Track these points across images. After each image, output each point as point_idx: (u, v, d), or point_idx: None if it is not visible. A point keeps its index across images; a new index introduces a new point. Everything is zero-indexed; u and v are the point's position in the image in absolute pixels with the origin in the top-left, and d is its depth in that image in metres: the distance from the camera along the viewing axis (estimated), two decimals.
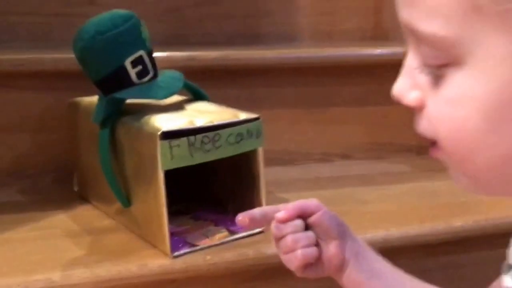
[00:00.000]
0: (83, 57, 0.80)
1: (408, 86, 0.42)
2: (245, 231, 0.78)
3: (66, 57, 0.86)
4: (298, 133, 1.10)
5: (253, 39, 1.22)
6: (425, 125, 0.42)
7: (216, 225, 0.81)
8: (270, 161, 1.07)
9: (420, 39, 0.39)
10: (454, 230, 0.86)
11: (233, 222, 0.80)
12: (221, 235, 0.78)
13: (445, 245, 0.86)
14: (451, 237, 0.86)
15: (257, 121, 0.77)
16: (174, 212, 0.82)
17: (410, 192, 0.98)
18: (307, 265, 0.58)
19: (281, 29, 1.24)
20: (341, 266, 0.59)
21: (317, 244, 0.58)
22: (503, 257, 0.51)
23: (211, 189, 0.88)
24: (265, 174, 0.80)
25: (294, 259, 0.57)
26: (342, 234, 0.59)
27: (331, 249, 0.58)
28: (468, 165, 0.40)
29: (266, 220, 0.61)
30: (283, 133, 1.10)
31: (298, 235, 0.58)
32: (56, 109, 0.95)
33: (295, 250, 0.57)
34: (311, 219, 0.59)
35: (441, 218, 0.88)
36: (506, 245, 0.51)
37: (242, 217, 0.60)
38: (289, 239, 0.58)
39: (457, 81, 0.38)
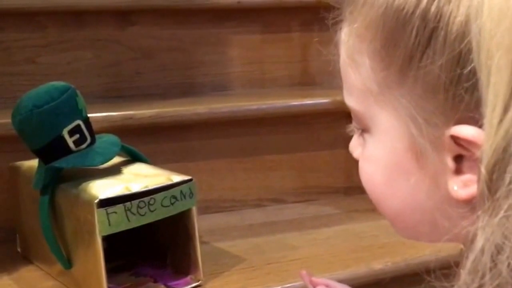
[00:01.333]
0: (21, 130, 0.84)
1: (356, 144, 0.50)
2: (183, 286, 0.83)
3: (7, 122, 0.89)
4: (232, 181, 1.16)
5: (188, 90, 1.28)
6: None
7: (155, 281, 0.85)
8: (207, 209, 1.14)
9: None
10: (374, 273, 0.94)
11: (171, 277, 0.85)
12: None
13: (366, 287, 0.93)
14: (372, 280, 0.94)
15: (190, 183, 0.82)
16: (115, 268, 0.86)
17: (336, 236, 1.05)
18: None
19: (215, 79, 1.31)
20: None
21: None
22: None
23: (150, 243, 0.92)
24: (201, 223, 0.85)
25: None
26: None
27: None
28: (381, 210, 0.48)
29: None
30: (218, 181, 1.15)
31: None
32: None
33: None
34: None
35: (363, 261, 0.95)
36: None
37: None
38: None
39: (368, 145, 0.46)
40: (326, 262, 0.94)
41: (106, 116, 1.03)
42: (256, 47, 1.34)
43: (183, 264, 0.86)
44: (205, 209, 1.12)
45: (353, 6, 0.44)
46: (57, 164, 0.82)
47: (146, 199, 0.78)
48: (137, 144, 0.95)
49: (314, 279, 0.69)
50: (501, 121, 0.36)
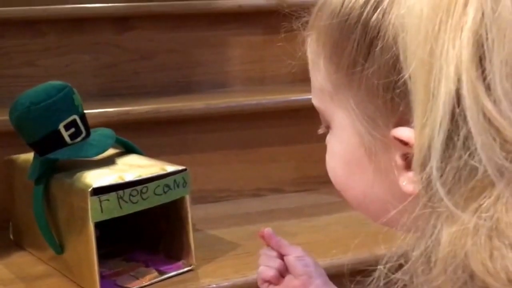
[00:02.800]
0: (18, 125, 0.86)
1: (328, 139, 0.53)
2: (175, 270, 0.85)
3: (4, 119, 0.92)
4: (229, 172, 1.17)
5: (185, 88, 1.30)
6: None
7: (147, 266, 0.87)
8: (203, 199, 1.15)
9: None
10: (376, 258, 0.93)
11: (163, 262, 0.87)
12: (151, 276, 0.84)
13: (368, 272, 0.93)
14: (374, 265, 0.94)
15: (183, 172, 0.84)
16: (107, 254, 0.88)
17: (338, 222, 1.05)
18: (269, 284, 0.68)
19: (214, 77, 1.32)
20: None
21: (283, 276, 0.68)
22: None
23: (143, 230, 0.94)
24: (195, 212, 0.86)
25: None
26: (309, 273, 0.67)
27: (294, 281, 0.67)
28: (346, 200, 0.51)
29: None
30: (214, 173, 1.16)
31: (268, 256, 0.69)
32: None
33: (259, 265, 0.69)
34: (285, 259, 0.68)
35: (365, 246, 0.95)
36: None
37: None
38: (262, 257, 0.70)
39: (331, 141, 0.50)
40: (326, 247, 0.94)
41: (102, 112, 1.05)
42: (257, 48, 1.36)
43: (175, 250, 0.88)
44: (200, 199, 1.13)
45: (312, 15, 0.49)
46: (52, 155, 0.85)
47: (139, 187, 0.80)
48: (133, 139, 0.96)
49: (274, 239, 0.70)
50: (423, 126, 0.39)
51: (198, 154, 1.11)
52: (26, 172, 0.87)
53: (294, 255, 0.68)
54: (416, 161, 0.39)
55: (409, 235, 0.41)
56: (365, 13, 0.43)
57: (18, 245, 0.98)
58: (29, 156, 0.90)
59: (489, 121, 0.36)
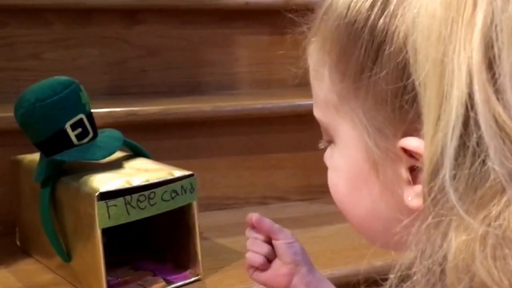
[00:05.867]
0: (23, 123, 0.84)
1: (328, 155, 0.50)
2: (182, 280, 0.83)
3: (9, 116, 0.89)
4: (236, 179, 1.16)
5: (194, 88, 1.28)
6: None
7: (154, 275, 0.86)
8: (209, 207, 1.14)
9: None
10: (374, 270, 0.93)
11: (171, 271, 0.86)
12: (158, 286, 0.82)
13: (367, 283, 0.92)
14: (372, 277, 0.93)
15: (191, 178, 0.83)
16: (115, 263, 0.86)
17: (338, 233, 1.04)
18: (256, 269, 0.68)
19: (221, 78, 1.31)
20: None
21: (270, 260, 0.67)
22: None
23: (151, 238, 0.92)
24: (203, 220, 0.85)
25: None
26: (297, 262, 0.66)
27: (282, 269, 0.66)
28: (348, 219, 0.49)
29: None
30: (221, 179, 1.15)
31: (255, 241, 0.68)
32: None
33: (247, 251, 0.68)
34: (273, 243, 0.67)
35: (364, 258, 0.94)
36: None
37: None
38: (249, 241, 0.69)
39: (334, 155, 0.47)
40: (328, 258, 0.94)
41: (110, 111, 1.03)
42: (264, 48, 1.34)
43: (182, 259, 0.86)
44: (207, 206, 1.12)
45: (315, 21, 0.47)
46: (58, 157, 0.82)
47: (146, 193, 0.78)
48: (141, 140, 0.95)
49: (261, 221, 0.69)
50: (435, 132, 0.37)
51: (205, 159, 1.09)
52: (32, 173, 0.85)
53: (284, 240, 0.66)
54: (426, 170, 0.38)
55: (414, 247, 0.39)
56: (372, 16, 0.41)
57: (24, 251, 0.95)
58: (35, 156, 0.88)
59: (500, 125, 0.35)
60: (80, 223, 0.79)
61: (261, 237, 0.67)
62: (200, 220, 0.84)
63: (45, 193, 0.82)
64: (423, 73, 0.38)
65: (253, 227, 0.69)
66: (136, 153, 0.92)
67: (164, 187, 0.80)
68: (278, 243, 0.66)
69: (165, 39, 1.26)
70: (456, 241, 0.36)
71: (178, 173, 0.82)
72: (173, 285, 0.83)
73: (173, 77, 1.27)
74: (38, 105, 0.81)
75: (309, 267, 0.67)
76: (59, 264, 0.85)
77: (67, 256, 0.83)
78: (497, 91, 0.35)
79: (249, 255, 0.68)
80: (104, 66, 1.22)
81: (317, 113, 0.48)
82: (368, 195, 0.45)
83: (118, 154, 0.90)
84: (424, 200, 0.38)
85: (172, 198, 0.81)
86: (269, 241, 0.68)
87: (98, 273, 0.76)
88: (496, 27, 0.35)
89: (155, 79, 1.25)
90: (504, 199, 0.35)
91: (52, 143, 0.83)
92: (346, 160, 0.46)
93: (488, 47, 0.36)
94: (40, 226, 0.83)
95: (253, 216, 0.68)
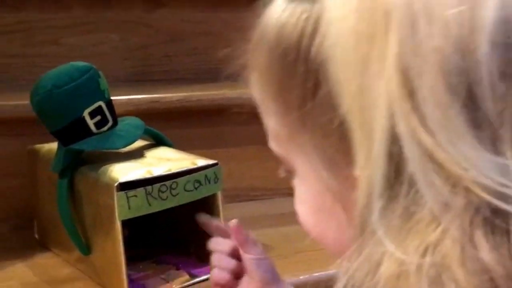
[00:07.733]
0: (40, 110, 0.81)
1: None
2: (206, 274, 0.79)
3: (26, 104, 0.85)
4: (264, 169, 1.11)
5: (219, 74, 1.24)
6: None
7: (177, 268, 0.83)
8: (236, 198, 1.10)
9: None
10: None
11: (195, 265, 0.82)
12: (182, 279, 0.80)
13: None
14: None
15: (215, 167, 0.79)
16: (137, 256, 0.83)
17: None
18: (222, 286, 0.63)
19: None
20: None
21: (239, 277, 0.63)
22: None
23: (174, 231, 0.89)
24: (229, 212, 0.81)
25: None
26: (266, 280, 0.62)
27: (250, 287, 0.62)
28: (325, 248, 0.46)
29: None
30: (248, 170, 1.11)
31: (221, 256, 0.63)
32: (16, 156, 0.96)
33: (214, 267, 0.63)
34: (243, 257, 0.63)
35: None
36: None
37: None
38: (214, 256, 0.64)
39: (296, 188, 0.45)
40: None
41: (131, 99, 0.99)
42: None
43: (207, 252, 0.82)
44: (234, 198, 1.08)
45: (250, 53, 0.44)
46: (77, 146, 0.79)
47: (168, 182, 0.75)
48: (164, 129, 0.91)
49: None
50: (365, 166, 0.36)
51: (232, 148, 1.05)
52: (50, 163, 0.82)
53: (254, 256, 0.62)
54: (360, 204, 0.36)
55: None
56: (303, 46, 0.39)
57: (43, 245, 0.92)
58: (53, 145, 0.85)
59: (429, 156, 0.33)
60: (99, 214, 0.76)
61: (226, 249, 0.63)
62: (226, 212, 0.81)
63: (63, 184, 0.79)
64: (346, 106, 0.36)
65: (221, 234, 0.65)
66: (158, 142, 0.89)
67: (186, 176, 0.76)
68: (248, 259, 0.62)
69: (189, 23, 1.22)
70: (387, 271, 0.34)
71: (201, 162, 0.79)
72: (197, 279, 0.80)
73: (197, 63, 1.22)
74: (54, 92, 0.78)
75: (278, 285, 0.63)
76: (78, 257, 0.82)
77: (86, 249, 0.80)
78: (422, 120, 0.33)
79: (215, 272, 0.63)
80: (125, 52, 1.18)
81: (272, 145, 0.45)
82: (335, 224, 0.43)
83: (139, 143, 0.87)
84: (360, 232, 0.36)
85: (196, 189, 0.78)
86: (236, 254, 0.63)
87: (119, 266, 0.73)
88: (408, 52, 0.33)
89: (178, 65, 1.21)
90: (440, 228, 0.33)
91: (70, 131, 0.80)
92: (307, 192, 0.44)
93: (406, 75, 0.33)
94: (59, 218, 0.80)
95: (234, 223, 0.64)
